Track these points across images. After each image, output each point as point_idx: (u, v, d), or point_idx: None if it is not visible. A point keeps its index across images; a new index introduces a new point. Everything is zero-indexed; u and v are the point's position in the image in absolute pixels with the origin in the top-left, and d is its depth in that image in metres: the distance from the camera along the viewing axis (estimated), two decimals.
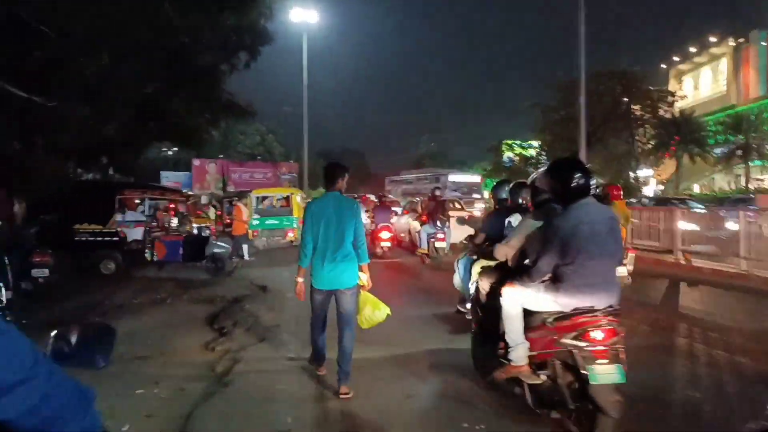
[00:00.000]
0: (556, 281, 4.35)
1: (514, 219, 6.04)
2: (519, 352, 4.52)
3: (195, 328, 8.67)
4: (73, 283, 12.10)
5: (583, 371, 4.05)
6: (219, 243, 13.88)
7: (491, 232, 6.65)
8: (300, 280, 5.60)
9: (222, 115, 21.80)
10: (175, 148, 52.23)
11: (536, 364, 4.51)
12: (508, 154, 57.92)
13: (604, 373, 4.02)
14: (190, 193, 15.13)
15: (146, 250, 13.35)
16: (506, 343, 4.65)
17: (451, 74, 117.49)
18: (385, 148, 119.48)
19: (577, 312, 4.25)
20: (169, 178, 57.19)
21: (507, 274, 5.04)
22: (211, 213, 30.51)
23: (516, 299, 4.54)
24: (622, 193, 11.34)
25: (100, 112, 12.34)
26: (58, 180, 16.12)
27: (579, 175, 4.28)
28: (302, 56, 39.14)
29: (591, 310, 4.22)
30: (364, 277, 5.62)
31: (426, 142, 66.86)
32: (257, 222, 19.82)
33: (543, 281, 4.43)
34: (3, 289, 7.43)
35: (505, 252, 5.10)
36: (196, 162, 56.61)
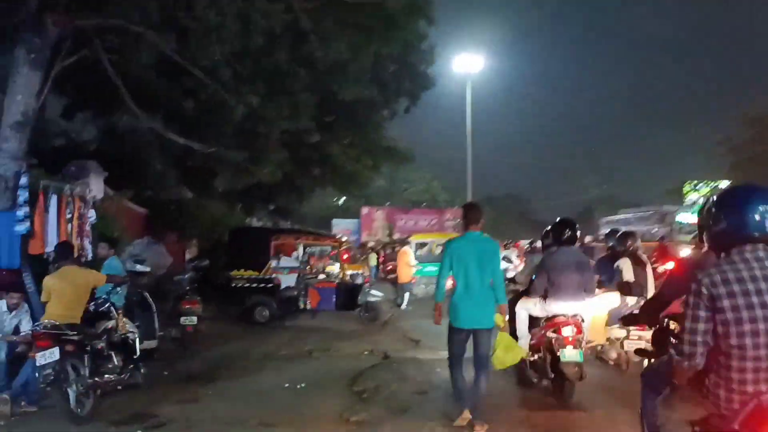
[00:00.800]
0: (545, 297, 6.52)
1: (622, 263, 7.93)
2: (523, 341, 6.64)
3: (335, 388, 7.60)
4: (223, 330, 11.73)
5: (557, 353, 6.03)
6: (373, 292, 12.95)
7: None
8: (436, 314, 5.89)
9: (383, 161, 21.26)
10: (343, 196, 53.56)
11: (533, 349, 6.70)
12: (691, 197, 52.51)
13: (570, 354, 5.97)
14: (345, 238, 14.23)
15: (300, 298, 12.73)
16: (517, 337, 6.59)
17: (624, 111, 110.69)
18: (552, 192, 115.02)
19: (556, 316, 6.41)
20: (339, 225, 58.55)
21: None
22: (372, 259, 30.23)
23: (523, 308, 6.87)
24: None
25: (253, 155, 12.08)
26: (224, 225, 16.34)
27: (566, 232, 6.62)
28: (465, 103, 38.28)
29: (564, 315, 6.34)
30: (500, 318, 5.68)
31: (595, 185, 62.52)
32: (416, 269, 18.77)
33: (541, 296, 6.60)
34: (137, 341, 6.88)
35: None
36: (364, 210, 57.42)
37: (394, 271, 17.64)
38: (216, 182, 13.18)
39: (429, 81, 20.34)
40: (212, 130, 11.39)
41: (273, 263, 12.88)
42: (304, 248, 13.31)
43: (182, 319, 9.67)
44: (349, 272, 12.91)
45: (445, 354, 5.98)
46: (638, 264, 7.81)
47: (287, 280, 12.74)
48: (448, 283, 5.80)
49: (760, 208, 2.68)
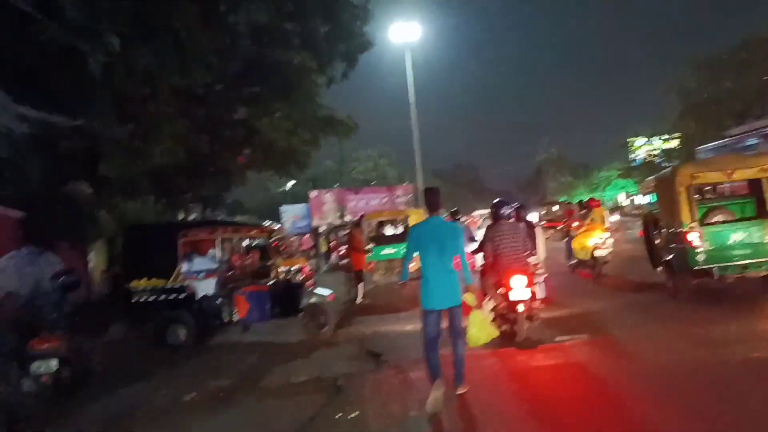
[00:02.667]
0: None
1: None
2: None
3: None
4: (128, 364, 8.49)
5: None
6: (317, 290, 9.84)
7: None
8: (400, 281, 6.05)
9: (322, 133, 18.07)
10: (289, 181, 50.20)
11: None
12: (638, 152, 51.02)
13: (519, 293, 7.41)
14: (275, 226, 10.75)
15: (223, 308, 9.55)
16: None
17: (566, 69, 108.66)
18: (502, 158, 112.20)
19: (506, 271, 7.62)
20: (288, 212, 55.25)
21: None
22: (322, 246, 27.13)
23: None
24: (600, 202, 15.51)
25: (141, 130, 8.81)
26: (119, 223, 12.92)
27: (501, 209, 7.94)
28: (407, 75, 35.21)
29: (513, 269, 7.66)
30: (470, 297, 5.67)
31: (545, 147, 60.39)
32: (371, 253, 15.75)
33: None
34: None
35: None
36: (313, 193, 54.19)
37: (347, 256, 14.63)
38: (101, 168, 9.75)
39: (366, 41, 17.20)
40: (73, 96, 8.01)
41: (183, 267, 9.60)
42: (223, 244, 9.99)
43: (33, 365, 6.40)
44: (283, 269, 9.69)
45: (418, 373, 5.96)
46: (530, 227, 9.80)
47: (204, 287, 9.48)
48: (412, 266, 5.89)
49: (499, 209, 7.82)
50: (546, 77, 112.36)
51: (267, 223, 11.57)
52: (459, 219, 12.84)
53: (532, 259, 8.34)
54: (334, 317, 10.25)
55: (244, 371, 7.80)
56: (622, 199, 50.11)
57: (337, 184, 55.57)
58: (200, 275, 9.53)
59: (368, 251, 13.70)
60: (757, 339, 6.51)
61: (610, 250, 12.98)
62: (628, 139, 53.85)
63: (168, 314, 9.47)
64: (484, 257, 7.95)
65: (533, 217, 23.12)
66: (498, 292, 7.51)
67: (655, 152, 43.30)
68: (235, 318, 9.64)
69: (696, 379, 5.43)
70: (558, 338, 7.63)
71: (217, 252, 9.67)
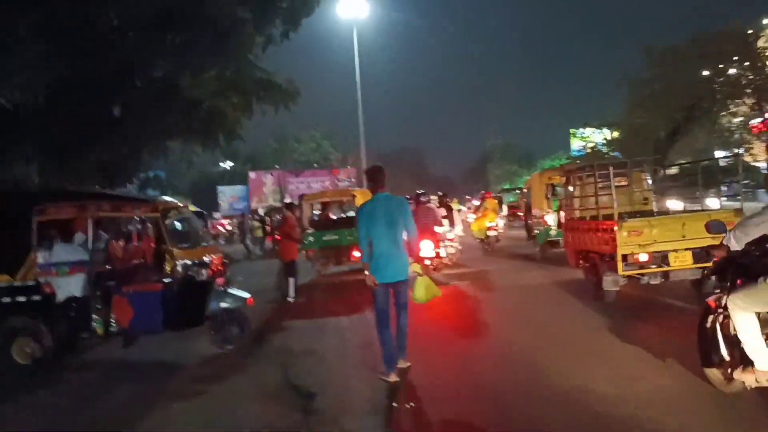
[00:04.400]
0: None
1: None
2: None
3: None
4: None
5: None
6: (230, 291, 7.03)
7: None
8: (367, 273, 5.50)
9: (255, 96, 15.12)
10: (207, 150, 46.77)
11: None
12: (576, 143, 49.95)
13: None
14: (170, 201, 7.50)
15: (94, 316, 6.63)
16: None
17: (517, 56, 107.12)
18: (448, 145, 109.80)
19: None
20: (225, 193, 51.74)
21: None
22: (258, 231, 24.01)
23: None
24: (492, 194, 20.82)
25: None
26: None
27: (420, 197, 11.37)
28: (353, 52, 32.56)
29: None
30: (418, 267, 5.86)
31: (493, 134, 58.31)
32: (311, 239, 12.97)
33: None
34: None
35: None
36: (252, 174, 51.00)
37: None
38: None
39: (310, 0, 14.46)
40: None
41: (39, 257, 6.60)
42: (97, 224, 6.92)
43: None
44: (181, 262, 6.80)
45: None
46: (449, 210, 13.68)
47: (68, 286, 6.51)
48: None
49: (419, 197, 11.43)
50: (497, 66, 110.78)
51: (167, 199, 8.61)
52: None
53: (447, 233, 12.49)
54: (253, 325, 7.48)
55: (99, 417, 4.98)
56: None
57: (277, 166, 52.31)
58: (63, 269, 6.54)
59: (301, 240, 11.03)
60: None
61: (500, 231, 17.77)
62: (570, 130, 52.90)
63: (14, 322, 6.50)
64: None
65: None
66: None
67: (591, 144, 41.52)
68: (114, 328, 6.71)
69: (531, 295, 9.50)
70: (453, 282, 11.18)
71: (88, 235, 6.68)
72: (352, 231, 12.04)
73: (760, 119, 32.92)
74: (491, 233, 16.53)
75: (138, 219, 7.89)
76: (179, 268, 6.78)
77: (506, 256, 15.23)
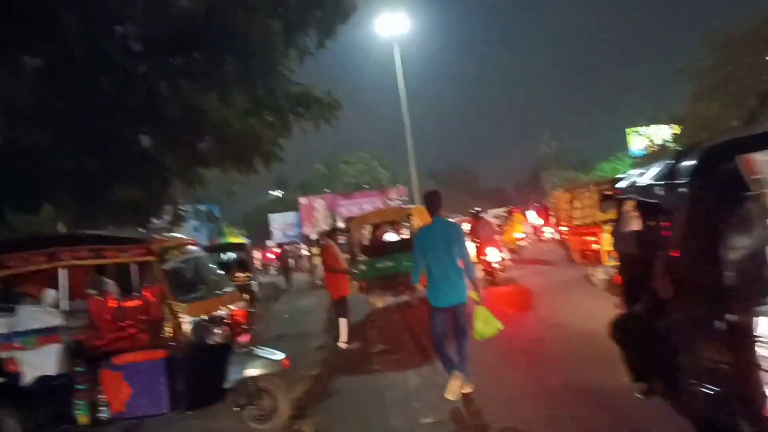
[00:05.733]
0: None
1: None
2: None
3: None
4: None
5: None
6: (257, 353, 5.17)
7: None
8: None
9: (292, 115, 13.44)
10: (277, 191, 45.72)
11: None
12: (634, 144, 46.62)
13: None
14: (170, 238, 5.55)
15: (74, 400, 4.87)
16: None
17: (565, 60, 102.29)
18: (500, 156, 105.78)
19: None
20: (277, 221, 50.75)
21: None
22: (315, 258, 21.46)
23: None
24: (519, 210, 22.87)
25: None
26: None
27: (479, 215, 13.79)
28: (396, 72, 30.85)
29: None
30: (475, 294, 5.61)
31: (546, 141, 55.13)
32: (363, 268, 11.07)
33: None
34: None
35: None
36: (302, 200, 49.96)
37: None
38: None
39: (346, 5, 12.69)
40: None
41: (1, 325, 4.90)
42: (73, 276, 5.13)
43: None
44: (192, 319, 4.96)
45: None
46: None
47: (38, 361, 4.79)
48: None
49: (478, 215, 13.88)
50: (545, 69, 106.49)
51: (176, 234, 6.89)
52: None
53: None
54: (290, 393, 5.57)
55: None
56: None
57: (328, 190, 50.96)
58: (29, 340, 4.83)
59: (348, 271, 9.01)
60: None
61: (529, 241, 19.95)
62: (627, 129, 49.76)
63: None
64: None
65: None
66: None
67: (656, 141, 38.27)
68: (105, 413, 4.93)
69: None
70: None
71: (60, 291, 4.92)
72: (410, 256, 10.00)
73: None
74: (521, 243, 18.23)
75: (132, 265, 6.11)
76: (187, 327, 4.93)
77: (536, 262, 16.36)
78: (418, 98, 46.98)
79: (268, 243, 42.10)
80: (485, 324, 5.52)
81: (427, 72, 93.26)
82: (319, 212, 48.50)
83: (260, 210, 55.03)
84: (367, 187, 50.42)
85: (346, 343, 8.10)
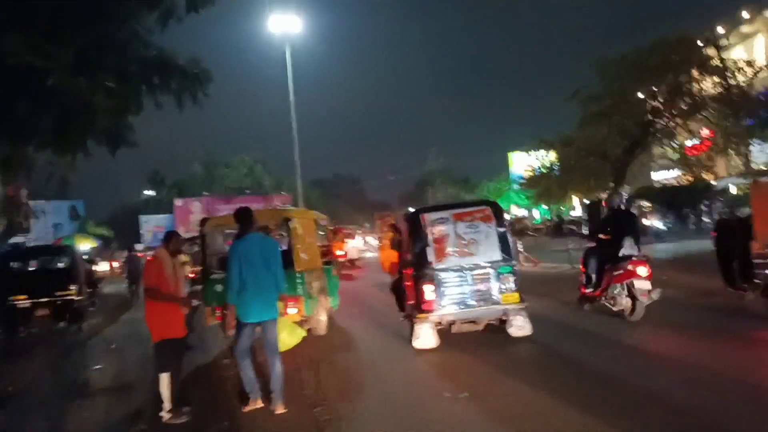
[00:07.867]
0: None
1: None
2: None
3: None
4: None
5: None
6: None
7: None
8: (228, 313, 5.43)
9: (143, 83, 10.16)
10: (65, 161, 40.93)
11: None
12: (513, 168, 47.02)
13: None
14: None
15: None
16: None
17: (454, 83, 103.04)
18: (386, 170, 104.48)
19: None
20: (149, 222, 45.47)
21: None
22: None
23: None
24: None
25: None
26: None
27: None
28: (286, 71, 28.33)
29: None
30: (282, 306, 5.52)
31: (434, 156, 54.09)
32: (216, 289, 8.00)
33: None
34: None
35: None
36: (178, 202, 45.20)
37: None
38: None
39: None
40: None
41: None
42: None
43: None
44: None
45: None
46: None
47: None
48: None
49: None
50: (434, 89, 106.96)
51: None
52: None
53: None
54: None
55: None
56: (516, 211, 45.68)
57: (207, 192, 46.45)
58: None
59: (183, 298, 5.71)
60: None
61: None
62: (508, 153, 50.16)
63: None
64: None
65: None
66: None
67: (532, 166, 38.22)
68: None
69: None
70: None
71: None
72: (288, 273, 7.06)
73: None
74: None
75: None
76: None
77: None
78: (310, 106, 44.69)
79: (137, 246, 37.26)
80: (289, 334, 5.63)
81: (321, 81, 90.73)
82: (194, 215, 44.05)
83: (131, 210, 49.29)
84: (249, 192, 46.60)
85: (170, 412, 5.01)
